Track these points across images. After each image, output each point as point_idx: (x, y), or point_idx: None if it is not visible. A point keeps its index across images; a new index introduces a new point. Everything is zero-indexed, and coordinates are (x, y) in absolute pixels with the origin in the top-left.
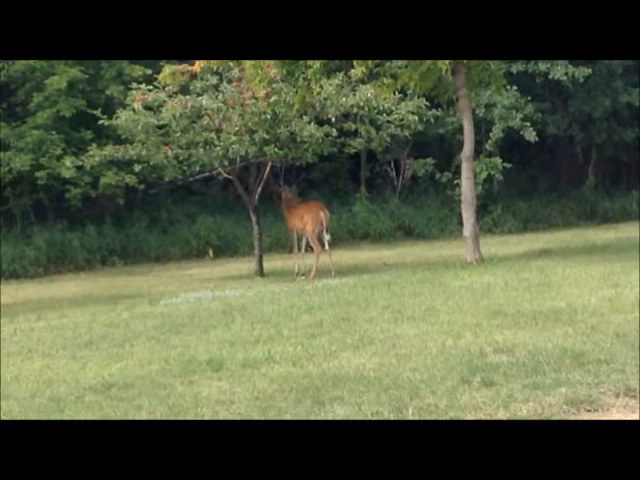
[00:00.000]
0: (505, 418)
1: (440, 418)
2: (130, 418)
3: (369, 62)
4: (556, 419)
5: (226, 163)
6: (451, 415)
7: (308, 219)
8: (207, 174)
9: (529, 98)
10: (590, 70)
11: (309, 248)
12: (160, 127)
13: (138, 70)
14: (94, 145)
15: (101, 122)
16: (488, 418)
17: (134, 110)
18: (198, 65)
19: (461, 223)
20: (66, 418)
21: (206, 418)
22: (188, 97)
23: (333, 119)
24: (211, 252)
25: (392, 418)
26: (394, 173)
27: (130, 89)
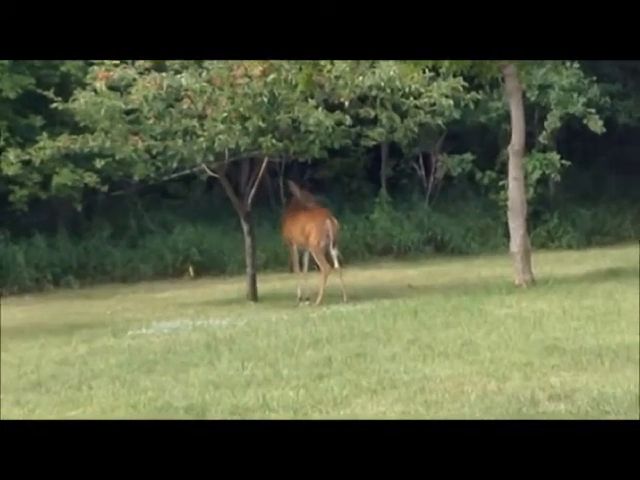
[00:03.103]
0: None
1: None
2: None
3: None
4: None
5: (211, 158)
6: None
7: (311, 230)
8: (187, 172)
9: (594, 78)
10: None
11: (315, 266)
12: (128, 112)
13: None
14: (45, 134)
15: (54, 105)
16: None
17: (96, 91)
18: None
19: (507, 235)
20: None
21: None
22: (164, 75)
23: (347, 103)
24: (191, 270)
25: None
26: (423, 172)
27: (91, 64)
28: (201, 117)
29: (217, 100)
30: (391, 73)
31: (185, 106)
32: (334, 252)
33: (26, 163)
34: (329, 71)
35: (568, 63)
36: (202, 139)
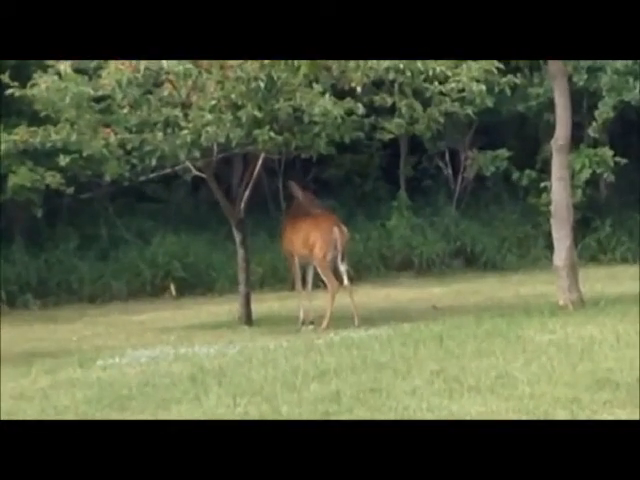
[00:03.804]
0: None
1: None
2: None
3: None
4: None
5: (197, 154)
6: None
7: (316, 240)
8: (168, 171)
9: None
10: None
11: (320, 283)
12: (98, 100)
13: None
14: None
15: (10, 91)
16: None
17: (59, 74)
18: None
19: (550, 247)
20: None
21: None
22: None
23: (359, 89)
24: (173, 288)
25: None
26: (450, 171)
27: None
28: (185, 105)
29: (204, 85)
30: None
31: (166, 92)
32: (343, 266)
33: None
34: None
35: None
36: (186, 132)
